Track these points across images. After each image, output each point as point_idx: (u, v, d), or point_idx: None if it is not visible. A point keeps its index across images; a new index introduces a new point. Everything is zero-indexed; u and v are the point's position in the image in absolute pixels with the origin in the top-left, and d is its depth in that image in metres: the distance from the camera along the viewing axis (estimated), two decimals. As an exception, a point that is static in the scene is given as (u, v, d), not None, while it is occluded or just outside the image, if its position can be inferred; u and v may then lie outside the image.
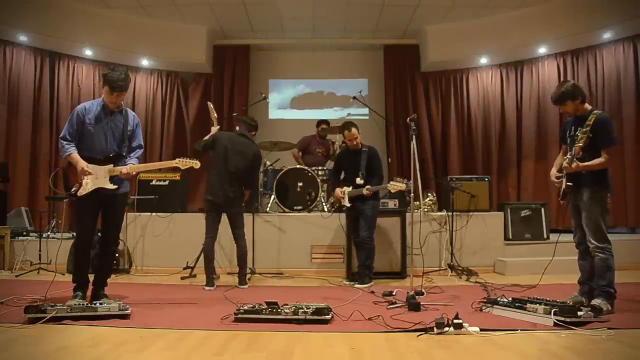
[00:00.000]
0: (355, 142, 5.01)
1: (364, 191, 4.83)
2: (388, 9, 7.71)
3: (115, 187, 3.68)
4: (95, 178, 3.62)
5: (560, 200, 3.77)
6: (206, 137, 4.91)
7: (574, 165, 3.56)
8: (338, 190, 5.10)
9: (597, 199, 3.57)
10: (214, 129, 4.97)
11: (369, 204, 4.91)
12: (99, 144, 3.67)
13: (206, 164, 4.66)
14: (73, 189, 3.63)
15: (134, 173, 3.81)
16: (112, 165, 3.69)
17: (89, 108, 3.69)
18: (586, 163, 3.56)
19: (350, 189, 4.99)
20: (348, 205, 5.00)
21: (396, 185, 4.66)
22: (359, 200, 4.93)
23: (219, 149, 4.79)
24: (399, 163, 8.58)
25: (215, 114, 5.16)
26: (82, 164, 3.57)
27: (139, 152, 3.90)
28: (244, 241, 4.84)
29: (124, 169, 3.69)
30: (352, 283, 4.89)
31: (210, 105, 5.25)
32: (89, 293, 3.77)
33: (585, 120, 3.58)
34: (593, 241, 3.55)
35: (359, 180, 4.90)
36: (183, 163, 3.94)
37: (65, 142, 3.63)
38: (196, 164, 3.95)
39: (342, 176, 5.20)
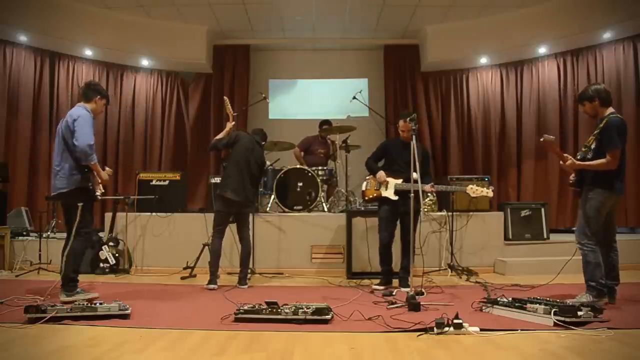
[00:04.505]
0: (405, 137, 4.59)
1: (427, 187, 4.33)
2: (388, 9, 7.70)
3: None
4: None
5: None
6: (221, 135, 4.93)
7: (568, 162, 3.73)
8: (383, 174, 4.58)
9: (591, 198, 3.70)
10: (230, 124, 5.01)
11: (415, 207, 4.44)
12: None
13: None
14: (98, 193, 4.10)
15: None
16: None
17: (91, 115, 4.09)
18: (583, 162, 3.72)
19: (400, 181, 4.53)
20: (394, 198, 4.51)
21: (478, 191, 4.16)
22: (407, 199, 4.28)
23: (241, 149, 4.82)
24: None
25: (232, 110, 5.14)
26: (103, 173, 4.12)
27: None
28: (250, 241, 4.89)
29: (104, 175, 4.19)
30: (379, 286, 4.59)
31: (227, 100, 5.21)
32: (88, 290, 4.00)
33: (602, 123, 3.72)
34: (575, 237, 3.74)
35: (415, 176, 4.32)
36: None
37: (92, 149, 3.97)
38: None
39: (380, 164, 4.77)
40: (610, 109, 3.76)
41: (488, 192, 4.23)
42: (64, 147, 3.95)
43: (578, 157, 3.83)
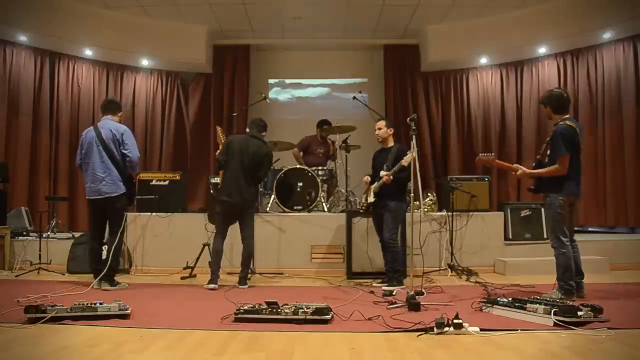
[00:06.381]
0: (377, 135, 4.93)
1: (384, 178, 4.63)
2: (388, 9, 7.70)
3: None
4: None
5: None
6: (219, 151, 4.96)
7: (519, 172, 4.01)
8: (367, 178, 4.98)
9: (550, 203, 3.89)
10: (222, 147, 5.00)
11: (392, 203, 4.71)
12: None
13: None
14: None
15: None
16: None
17: None
18: (534, 171, 4.00)
19: (375, 184, 4.84)
20: (372, 200, 4.84)
21: (409, 158, 4.44)
22: (384, 198, 4.76)
23: (234, 151, 4.82)
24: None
25: (224, 138, 5.14)
26: None
27: None
28: (252, 241, 4.87)
29: None
30: (380, 284, 4.73)
31: (220, 130, 5.21)
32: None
33: None
34: (550, 240, 3.93)
35: (382, 173, 4.70)
36: None
37: None
38: None
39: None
40: (566, 115, 3.90)
41: (411, 155, 4.39)
42: (106, 157, 4.40)
43: (534, 165, 4.09)
